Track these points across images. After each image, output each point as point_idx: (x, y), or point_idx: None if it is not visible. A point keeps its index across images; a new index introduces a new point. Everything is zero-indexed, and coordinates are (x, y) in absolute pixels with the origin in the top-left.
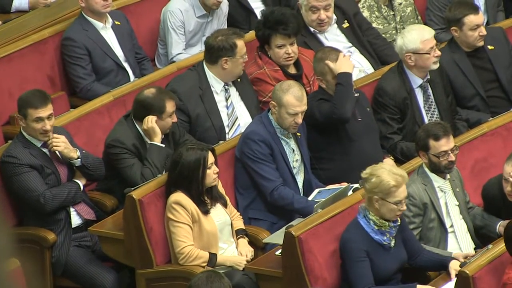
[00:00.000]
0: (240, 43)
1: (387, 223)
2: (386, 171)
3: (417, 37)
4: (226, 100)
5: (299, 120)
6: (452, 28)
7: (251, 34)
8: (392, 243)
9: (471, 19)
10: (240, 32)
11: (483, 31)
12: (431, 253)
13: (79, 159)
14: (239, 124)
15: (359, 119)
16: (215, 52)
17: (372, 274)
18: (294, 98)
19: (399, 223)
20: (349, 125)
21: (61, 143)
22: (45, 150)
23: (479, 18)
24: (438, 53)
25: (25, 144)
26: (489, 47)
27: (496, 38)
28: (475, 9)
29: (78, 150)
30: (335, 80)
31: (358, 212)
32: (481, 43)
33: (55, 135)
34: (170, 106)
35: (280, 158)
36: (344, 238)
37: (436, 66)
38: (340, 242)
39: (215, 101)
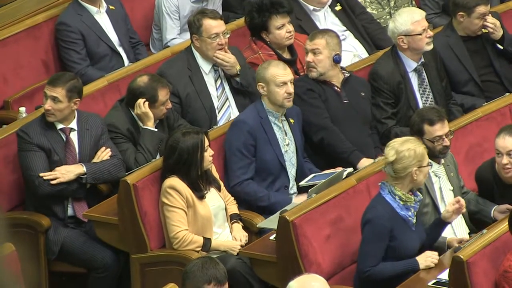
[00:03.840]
0: (206, 22)
1: (412, 197)
2: (407, 142)
3: (407, 19)
4: (215, 81)
5: (290, 89)
6: (459, 13)
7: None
8: (414, 220)
9: (481, 9)
10: (215, 13)
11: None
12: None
13: (85, 176)
14: (229, 105)
15: (345, 102)
16: (189, 28)
17: (381, 257)
18: (276, 68)
19: (421, 197)
20: (331, 107)
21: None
22: (62, 135)
23: (488, 8)
24: (430, 33)
25: (44, 124)
26: (484, 31)
27: None
28: None
29: (83, 166)
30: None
31: (381, 188)
32: (480, 32)
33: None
34: (162, 95)
35: (269, 147)
36: (371, 213)
37: (430, 47)
38: (365, 216)
39: (204, 81)
